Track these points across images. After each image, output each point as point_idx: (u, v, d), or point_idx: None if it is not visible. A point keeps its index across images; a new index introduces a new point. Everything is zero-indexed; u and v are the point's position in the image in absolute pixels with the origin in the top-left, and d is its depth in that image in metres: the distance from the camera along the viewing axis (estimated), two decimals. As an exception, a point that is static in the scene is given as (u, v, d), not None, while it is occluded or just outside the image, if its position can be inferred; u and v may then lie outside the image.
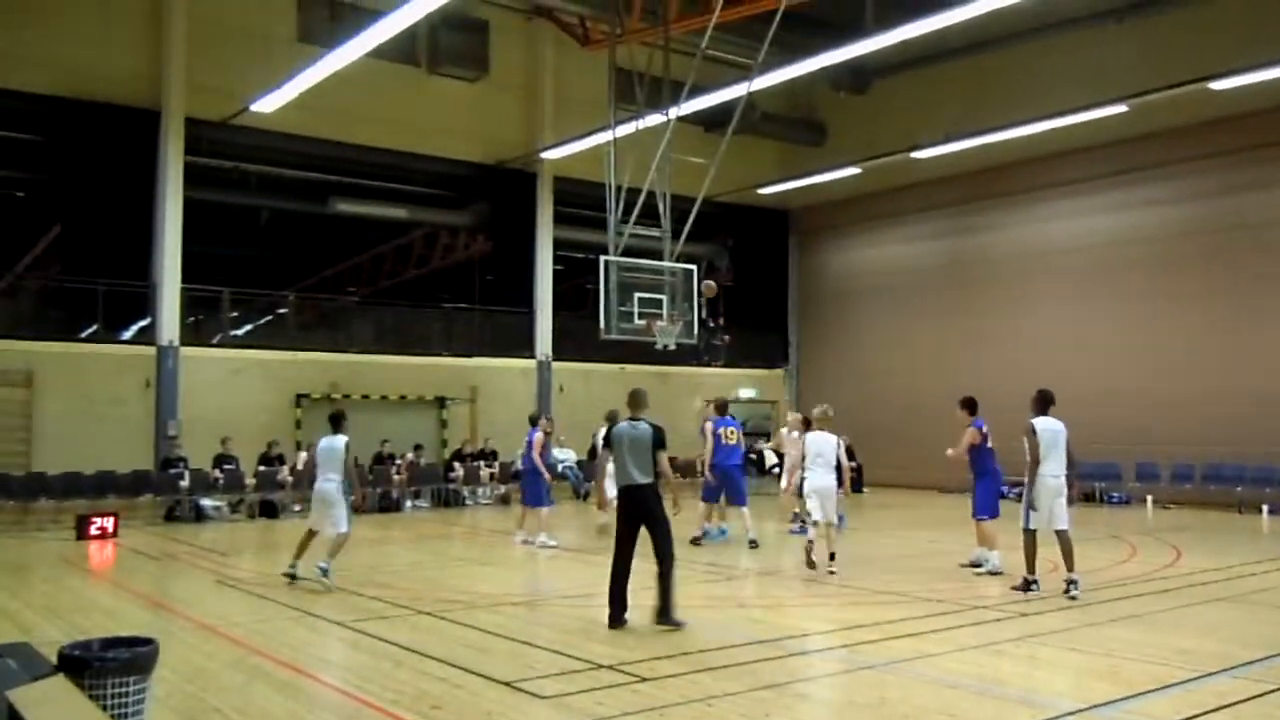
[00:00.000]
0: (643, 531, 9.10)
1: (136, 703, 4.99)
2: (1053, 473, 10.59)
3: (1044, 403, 10.87)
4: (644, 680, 7.20)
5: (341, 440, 11.56)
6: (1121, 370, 22.38)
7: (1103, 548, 14.81)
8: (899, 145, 23.52)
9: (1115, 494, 21.88)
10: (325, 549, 11.43)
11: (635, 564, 9.10)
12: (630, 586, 9.07)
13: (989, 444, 12.56)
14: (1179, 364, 21.59)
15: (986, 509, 12.46)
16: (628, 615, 9.07)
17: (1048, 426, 10.69)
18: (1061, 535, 10.63)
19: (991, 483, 12.63)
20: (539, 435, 15.14)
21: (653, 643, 8.42)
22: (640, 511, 9.19)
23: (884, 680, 7.29)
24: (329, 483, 11.54)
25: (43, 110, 20.36)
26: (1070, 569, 10.55)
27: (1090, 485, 22.27)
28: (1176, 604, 10.21)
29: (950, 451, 12.74)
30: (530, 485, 15.14)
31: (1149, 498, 21.20)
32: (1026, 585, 10.73)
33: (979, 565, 12.37)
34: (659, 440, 9.20)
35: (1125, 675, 7.30)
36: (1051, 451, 10.59)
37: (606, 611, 9.09)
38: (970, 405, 12.81)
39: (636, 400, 9.65)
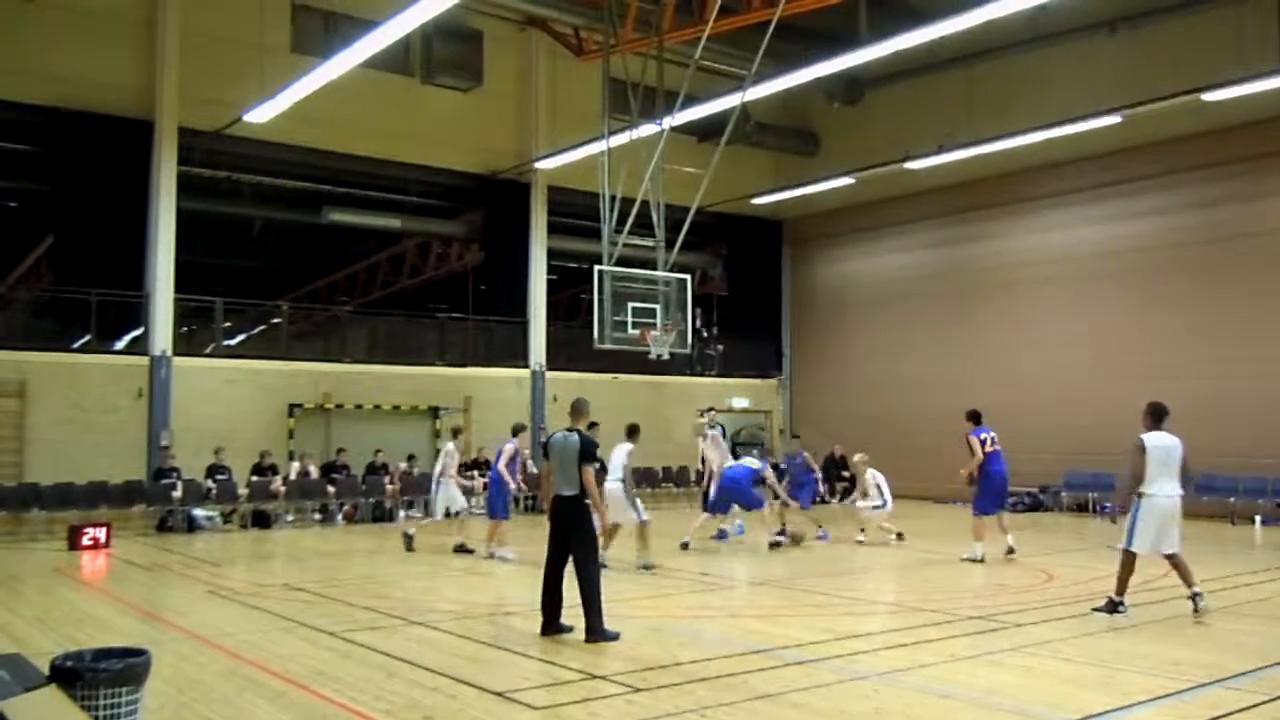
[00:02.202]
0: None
1: (129, 714, 4.96)
2: (1165, 492, 9.87)
3: (1156, 416, 10.12)
4: (637, 690, 7.19)
5: (627, 447, 13.68)
6: (1114, 380, 22.40)
7: (1096, 558, 14.82)
8: (892, 155, 23.57)
9: (1108, 504, 21.84)
10: (637, 545, 13.35)
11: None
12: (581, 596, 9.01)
13: (988, 449, 13.97)
14: (1172, 374, 21.57)
15: (980, 506, 14.07)
16: (571, 626, 9.06)
17: (1159, 443, 9.95)
18: (1171, 559, 10.00)
19: (989, 484, 14.02)
20: (509, 446, 15.01)
21: (646, 653, 8.41)
22: (564, 524, 9.15)
23: (879, 691, 7.28)
24: (615, 483, 13.47)
25: (35, 120, 20.36)
26: (1190, 584, 9.91)
27: (1083, 495, 22.33)
28: (1170, 614, 10.20)
29: (963, 471, 14.19)
30: (492, 496, 15.17)
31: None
32: (1112, 607, 10.00)
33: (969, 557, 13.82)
34: (585, 453, 9.06)
35: (1119, 686, 7.31)
36: (1162, 469, 9.87)
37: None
38: (974, 417, 14.17)
39: (575, 410, 9.65)
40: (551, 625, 9.13)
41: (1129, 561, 10.03)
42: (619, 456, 13.71)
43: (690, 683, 7.42)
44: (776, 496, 16.12)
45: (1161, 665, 7.93)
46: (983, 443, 13.94)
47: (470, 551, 15.20)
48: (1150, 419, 10.15)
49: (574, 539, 9.09)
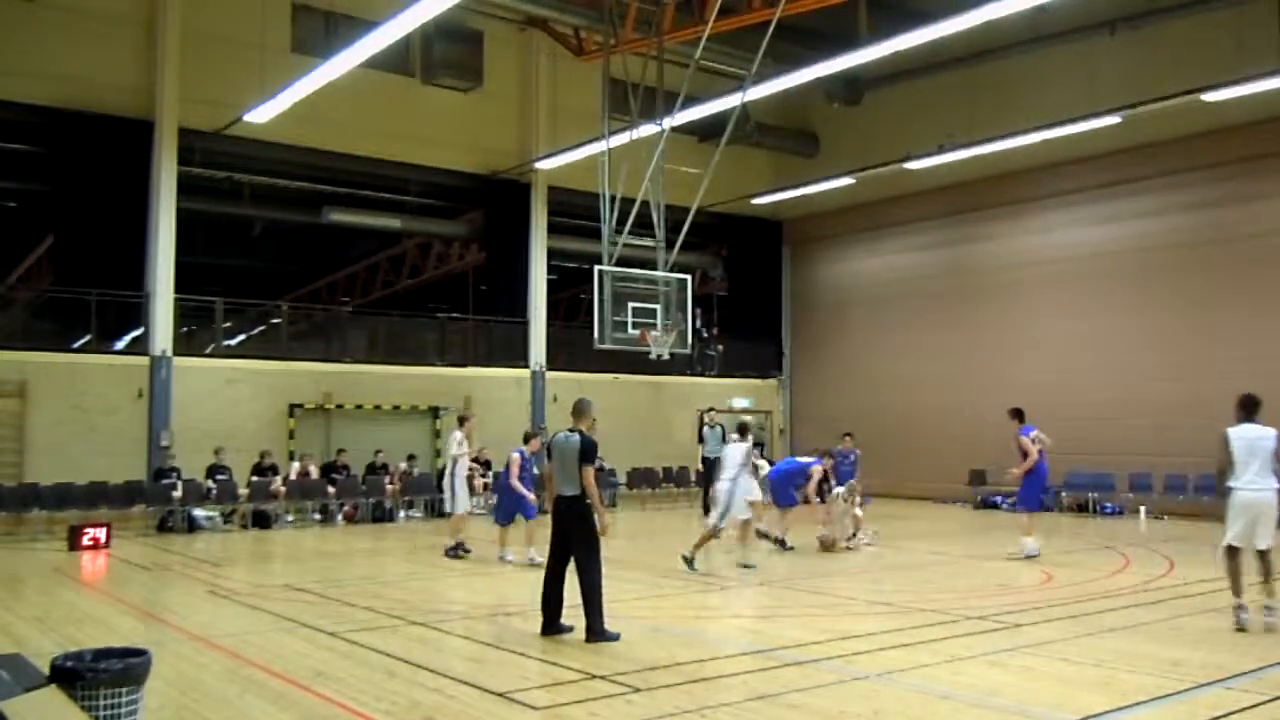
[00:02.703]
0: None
1: (129, 714, 4.97)
2: (1249, 484, 9.44)
3: (1245, 409, 9.80)
4: (637, 691, 7.19)
5: (744, 447, 13.87)
6: (1115, 381, 22.43)
7: (1096, 558, 14.84)
8: (892, 156, 23.57)
9: (1108, 504, 21.89)
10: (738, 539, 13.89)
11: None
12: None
13: (1039, 446, 14.32)
14: (1172, 374, 21.63)
15: (1028, 503, 14.49)
16: (572, 626, 9.08)
17: (1243, 435, 9.60)
18: (1261, 555, 9.53)
19: (1037, 481, 14.44)
20: (516, 456, 14.45)
21: (646, 653, 8.42)
22: (565, 524, 9.18)
23: (878, 691, 7.29)
24: (726, 482, 13.61)
25: (36, 121, 20.36)
26: (1271, 594, 9.51)
27: (1083, 495, 22.32)
28: (1169, 615, 10.22)
29: (1015, 471, 14.47)
30: (501, 503, 14.92)
31: (1142, 508, 21.22)
32: (1238, 613, 9.50)
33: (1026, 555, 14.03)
34: (585, 453, 9.06)
35: (1118, 686, 7.32)
36: (1250, 460, 9.48)
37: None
38: (1019, 415, 14.46)
39: (577, 410, 9.65)
40: (552, 625, 9.14)
41: (1229, 558, 9.64)
42: (736, 455, 13.72)
43: (690, 683, 7.43)
44: (806, 500, 15.78)
45: (1161, 665, 7.93)
46: (1032, 440, 14.27)
47: (468, 551, 15.11)
48: (1240, 411, 9.85)
49: (575, 539, 9.10)
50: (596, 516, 9.08)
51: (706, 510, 21.00)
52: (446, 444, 13.85)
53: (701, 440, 21.27)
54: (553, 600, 9.18)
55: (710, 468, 21.29)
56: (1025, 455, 14.24)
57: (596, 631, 8.85)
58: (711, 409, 21.91)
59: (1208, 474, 20.37)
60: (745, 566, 13.56)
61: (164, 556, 15.58)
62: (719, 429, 20.91)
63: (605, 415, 23.70)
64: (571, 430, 9.36)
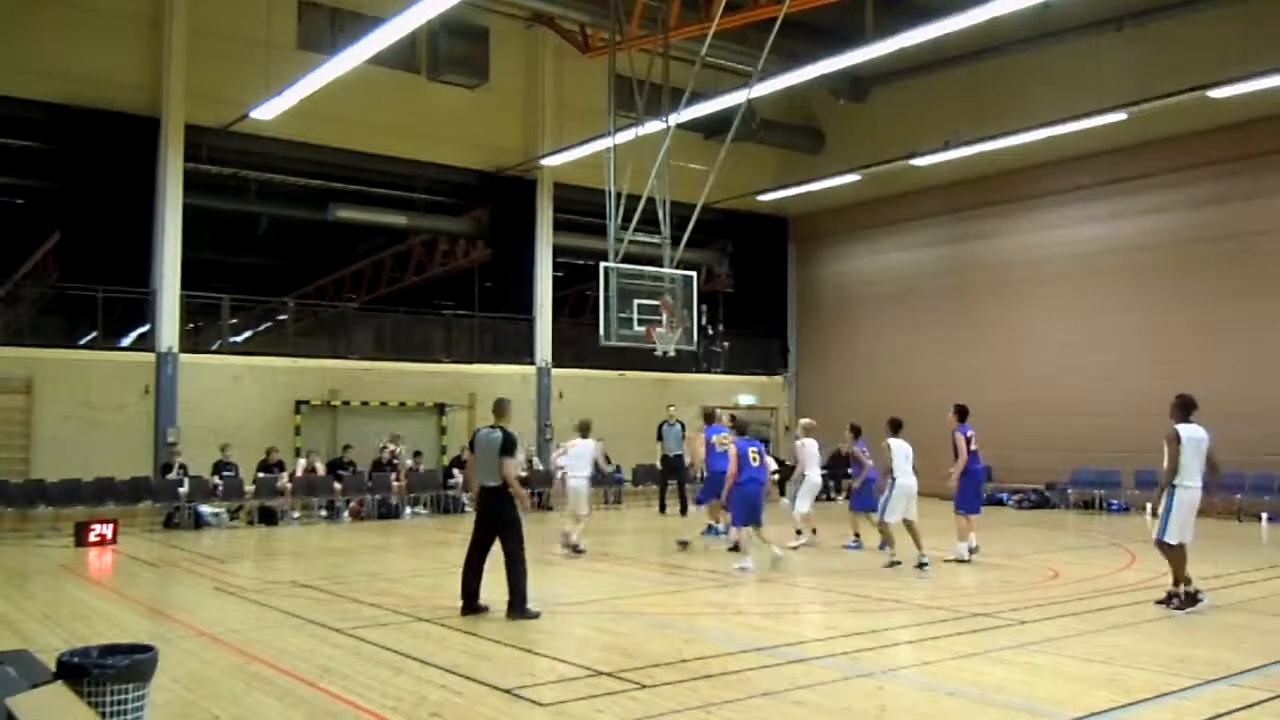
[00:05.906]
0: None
1: (135, 710, 5.00)
2: (1196, 484, 10.07)
3: (1185, 409, 10.30)
4: (642, 687, 7.20)
5: (905, 449, 13.78)
6: (1120, 377, 22.37)
7: (1102, 555, 14.83)
8: (898, 152, 23.55)
9: (1115, 501, 21.88)
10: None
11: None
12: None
13: (972, 447, 13.94)
14: (1178, 371, 21.46)
15: (967, 505, 14.02)
16: (488, 606, 9.97)
17: (1191, 435, 10.12)
18: (1181, 548, 10.18)
19: (973, 483, 14.15)
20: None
21: (651, 650, 8.43)
22: (489, 513, 10.07)
23: (883, 688, 7.29)
24: (907, 478, 13.73)
25: (42, 117, 20.37)
26: (1176, 582, 10.18)
27: (1089, 492, 22.29)
28: (1173, 612, 10.20)
29: (953, 472, 13.95)
30: None
31: (1148, 505, 21.11)
32: (1185, 600, 10.11)
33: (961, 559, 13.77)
34: (505, 447, 9.90)
35: (1124, 683, 7.32)
36: (1194, 461, 10.05)
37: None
38: (962, 413, 14.20)
39: (497, 409, 10.58)
40: (471, 605, 9.93)
41: (1172, 552, 10.21)
42: (898, 459, 13.61)
43: (694, 680, 7.44)
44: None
45: (1166, 662, 7.93)
46: (968, 440, 13.90)
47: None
48: (1180, 411, 10.33)
49: (501, 528, 9.94)
50: (519, 502, 10.06)
51: (663, 509, 20.77)
52: (580, 452, 14.42)
53: (660, 438, 20.80)
54: (473, 584, 9.99)
55: (669, 466, 20.71)
56: (957, 455, 13.76)
57: (520, 609, 9.77)
58: (672, 406, 21.58)
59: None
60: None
61: (170, 553, 15.62)
62: (678, 427, 20.47)
63: (612, 412, 23.82)
64: (493, 427, 10.20)
